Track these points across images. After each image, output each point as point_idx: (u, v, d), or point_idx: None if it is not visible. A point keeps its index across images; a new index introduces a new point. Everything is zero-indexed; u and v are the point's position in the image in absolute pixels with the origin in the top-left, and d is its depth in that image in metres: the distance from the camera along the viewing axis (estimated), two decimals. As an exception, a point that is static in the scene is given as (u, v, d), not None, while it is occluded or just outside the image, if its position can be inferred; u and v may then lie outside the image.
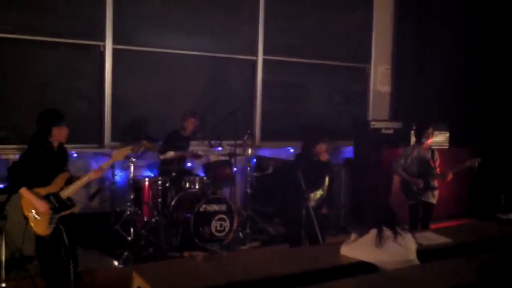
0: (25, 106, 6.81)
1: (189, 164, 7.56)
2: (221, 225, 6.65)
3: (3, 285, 4.23)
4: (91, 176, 4.96)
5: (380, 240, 4.15)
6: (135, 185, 6.68)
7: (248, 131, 7.64)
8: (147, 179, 6.76)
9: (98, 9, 7.25)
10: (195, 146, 7.66)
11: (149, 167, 7.39)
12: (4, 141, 6.72)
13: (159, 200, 6.67)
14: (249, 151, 7.76)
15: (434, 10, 9.56)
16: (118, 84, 7.44)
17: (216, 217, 6.62)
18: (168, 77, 7.82)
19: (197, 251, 6.28)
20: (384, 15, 9.81)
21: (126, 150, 5.18)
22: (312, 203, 5.72)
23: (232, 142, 7.33)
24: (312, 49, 9.12)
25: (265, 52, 8.64)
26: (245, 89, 8.61)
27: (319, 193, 5.92)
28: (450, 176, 6.70)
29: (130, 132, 7.24)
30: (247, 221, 7.29)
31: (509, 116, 8.87)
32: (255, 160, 8.15)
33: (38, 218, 4.66)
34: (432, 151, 6.88)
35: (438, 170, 6.80)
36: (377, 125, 8.54)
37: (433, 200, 6.77)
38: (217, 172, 7.25)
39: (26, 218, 4.67)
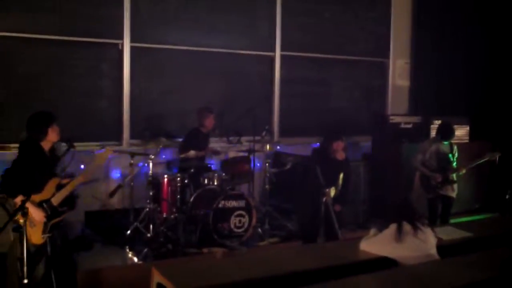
0: (44, 106, 6.88)
1: (208, 161, 7.57)
2: (240, 221, 6.65)
3: (25, 281, 4.24)
4: (80, 179, 4.77)
5: (400, 235, 4.12)
6: (154, 182, 6.70)
7: (267, 127, 7.63)
8: (166, 176, 6.77)
9: (115, 8, 7.29)
10: (214, 143, 7.68)
11: (168, 164, 7.41)
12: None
13: (178, 196, 6.69)
14: (268, 147, 7.74)
15: (453, 2, 9.45)
16: (136, 82, 7.48)
17: (235, 213, 6.63)
18: (186, 74, 7.84)
19: (216, 248, 6.34)
20: (402, 8, 9.73)
21: (107, 152, 5.00)
22: (328, 199, 5.70)
23: (251, 138, 7.33)
24: (330, 44, 9.08)
25: (282, 48, 8.61)
26: (263, 85, 8.60)
27: (332, 190, 5.91)
28: (464, 170, 6.67)
29: (149, 129, 7.27)
30: (266, 217, 7.29)
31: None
32: (273, 156, 8.14)
33: (34, 227, 4.50)
34: (452, 145, 6.82)
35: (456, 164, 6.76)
36: (396, 119, 8.48)
37: (453, 194, 6.73)
38: (235, 168, 7.25)
39: (21, 227, 4.28)
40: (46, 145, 4.70)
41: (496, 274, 3.01)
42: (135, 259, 6.00)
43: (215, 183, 6.89)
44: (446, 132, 6.77)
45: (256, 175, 7.80)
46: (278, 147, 8.31)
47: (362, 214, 7.76)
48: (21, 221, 4.31)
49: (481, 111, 9.09)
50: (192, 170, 6.84)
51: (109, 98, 7.43)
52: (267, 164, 7.55)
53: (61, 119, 6.78)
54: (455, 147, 6.84)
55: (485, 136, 8.68)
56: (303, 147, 8.48)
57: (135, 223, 6.55)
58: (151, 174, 6.65)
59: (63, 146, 4.90)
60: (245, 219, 6.69)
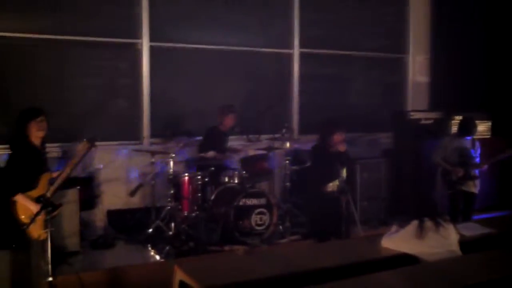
0: (67, 107, 6.98)
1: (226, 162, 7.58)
2: (261, 219, 6.67)
3: (50, 279, 4.30)
4: (67, 171, 4.65)
5: (421, 231, 4.10)
6: (175, 180, 6.74)
7: (286, 125, 7.63)
8: (186, 174, 6.80)
9: (134, 8, 7.36)
10: (233, 141, 7.69)
11: (187, 162, 7.44)
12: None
13: (199, 195, 6.72)
14: (287, 144, 7.74)
15: (473, -3, 9.36)
16: (155, 81, 7.53)
17: (256, 211, 6.64)
18: (204, 73, 7.87)
19: (237, 245, 6.37)
20: (421, 3, 9.65)
21: (85, 144, 4.74)
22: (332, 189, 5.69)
23: (270, 136, 7.33)
24: (349, 41, 9.04)
25: (301, 45, 8.60)
26: (282, 83, 8.60)
27: (336, 183, 5.82)
28: (485, 166, 6.61)
29: (169, 128, 7.31)
30: (287, 215, 7.28)
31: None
32: (293, 153, 8.13)
33: (35, 223, 4.48)
34: (473, 140, 6.77)
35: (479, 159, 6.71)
36: (416, 115, 8.42)
37: (475, 190, 6.68)
38: (255, 166, 7.26)
39: (24, 225, 4.48)
40: (35, 140, 4.75)
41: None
42: (157, 257, 6.06)
43: (236, 181, 6.91)
44: (468, 128, 6.71)
45: (276, 172, 7.81)
46: (297, 145, 8.30)
47: (384, 211, 7.74)
48: (23, 217, 4.43)
49: (502, 106, 8.99)
50: (212, 168, 6.87)
51: (129, 97, 7.49)
52: (287, 162, 7.54)
53: (82, 119, 6.89)
54: (476, 143, 6.78)
55: (507, 131, 8.58)
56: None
57: (157, 221, 6.60)
58: (171, 173, 6.69)
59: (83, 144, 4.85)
60: (266, 217, 6.70)
